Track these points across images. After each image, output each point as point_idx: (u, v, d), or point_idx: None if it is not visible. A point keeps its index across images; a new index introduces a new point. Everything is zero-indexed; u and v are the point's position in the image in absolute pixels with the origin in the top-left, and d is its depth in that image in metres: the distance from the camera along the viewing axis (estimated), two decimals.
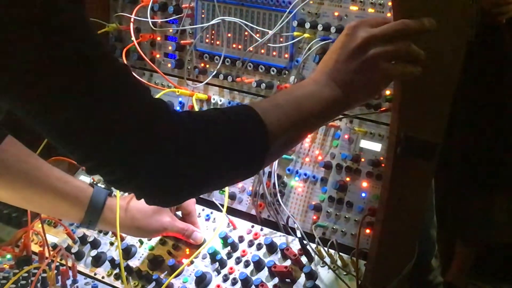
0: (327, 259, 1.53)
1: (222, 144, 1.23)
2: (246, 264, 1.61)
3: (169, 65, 1.85)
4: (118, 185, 1.24)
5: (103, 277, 1.72)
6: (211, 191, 1.73)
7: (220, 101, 1.77)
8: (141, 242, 1.74)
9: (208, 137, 1.21)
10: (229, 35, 1.73)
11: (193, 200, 1.73)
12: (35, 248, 1.79)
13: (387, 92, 1.50)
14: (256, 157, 1.28)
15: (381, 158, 1.53)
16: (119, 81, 1.15)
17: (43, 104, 1.12)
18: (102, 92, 1.13)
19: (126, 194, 1.72)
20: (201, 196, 1.76)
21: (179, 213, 1.73)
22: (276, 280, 1.55)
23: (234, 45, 1.73)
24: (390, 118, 1.46)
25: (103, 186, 1.73)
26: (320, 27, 1.58)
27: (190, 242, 1.69)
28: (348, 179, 1.58)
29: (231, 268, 1.61)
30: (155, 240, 1.73)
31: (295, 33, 1.62)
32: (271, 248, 1.60)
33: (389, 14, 1.48)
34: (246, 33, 1.69)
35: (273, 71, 1.67)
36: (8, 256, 1.79)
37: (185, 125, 1.20)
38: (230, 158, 1.24)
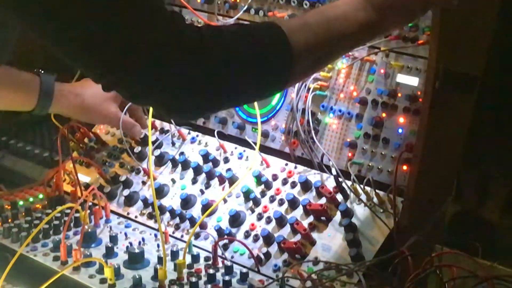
0: (363, 197, 1.51)
1: (241, 57, 1.20)
2: (281, 203, 1.58)
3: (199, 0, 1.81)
4: (137, 99, 1.25)
5: (136, 217, 1.71)
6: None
7: None
8: (173, 181, 1.72)
9: (227, 49, 1.19)
10: None
11: (139, 108, 1.82)
12: (67, 188, 1.78)
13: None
14: (279, 75, 1.25)
15: (419, 93, 1.49)
16: None
17: (64, 18, 1.12)
18: (122, 5, 1.12)
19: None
20: (232, 134, 1.75)
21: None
22: (311, 218, 1.53)
23: None
24: (428, 51, 1.42)
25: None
26: None
27: (131, 135, 1.81)
28: (384, 115, 1.54)
29: (265, 207, 1.59)
30: (188, 179, 1.71)
31: None
32: (306, 186, 1.58)
33: None
34: None
35: (305, 4, 1.62)
36: (41, 195, 1.79)
37: (204, 36, 1.18)
38: (250, 72, 1.22)
